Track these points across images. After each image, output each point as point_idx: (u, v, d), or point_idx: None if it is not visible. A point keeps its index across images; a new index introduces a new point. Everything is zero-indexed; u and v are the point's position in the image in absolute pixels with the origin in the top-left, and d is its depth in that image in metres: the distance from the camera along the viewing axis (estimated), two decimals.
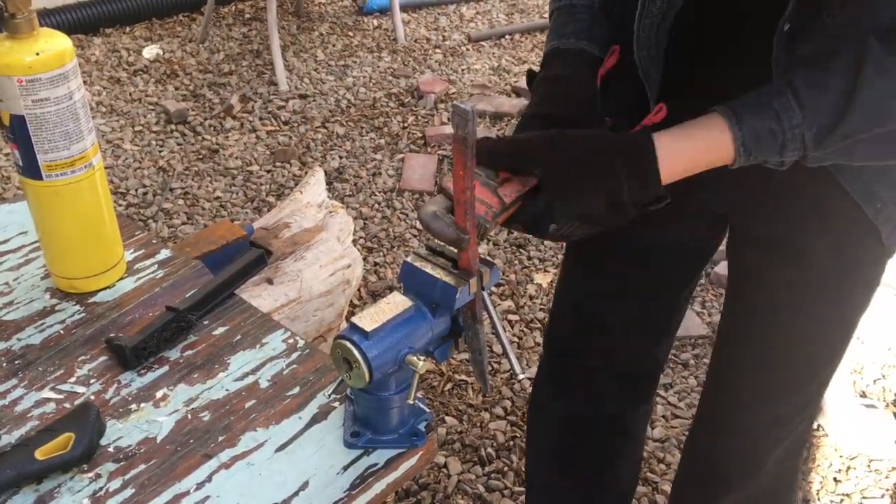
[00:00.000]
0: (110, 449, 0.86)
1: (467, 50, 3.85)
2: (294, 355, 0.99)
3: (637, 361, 1.33)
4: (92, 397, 0.92)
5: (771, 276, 1.09)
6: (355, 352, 0.77)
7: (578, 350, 1.30)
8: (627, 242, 1.12)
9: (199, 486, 0.83)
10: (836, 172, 0.92)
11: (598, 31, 0.97)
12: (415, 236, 2.68)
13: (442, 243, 0.83)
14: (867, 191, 0.94)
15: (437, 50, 3.85)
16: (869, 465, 1.99)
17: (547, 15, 1.02)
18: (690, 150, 0.81)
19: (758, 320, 1.14)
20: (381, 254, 2.61)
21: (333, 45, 3.83)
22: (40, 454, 0.81)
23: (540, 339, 2.31)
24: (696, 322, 2.39)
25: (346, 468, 0.85)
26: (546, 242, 2.68)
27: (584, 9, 0.99)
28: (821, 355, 1.15)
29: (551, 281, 2.52)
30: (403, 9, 4.09)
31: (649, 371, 1.38)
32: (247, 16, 4.10)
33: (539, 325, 2.36)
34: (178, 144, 3.09)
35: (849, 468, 1.98)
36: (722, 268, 2.56)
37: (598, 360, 1.29)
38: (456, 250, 0.80)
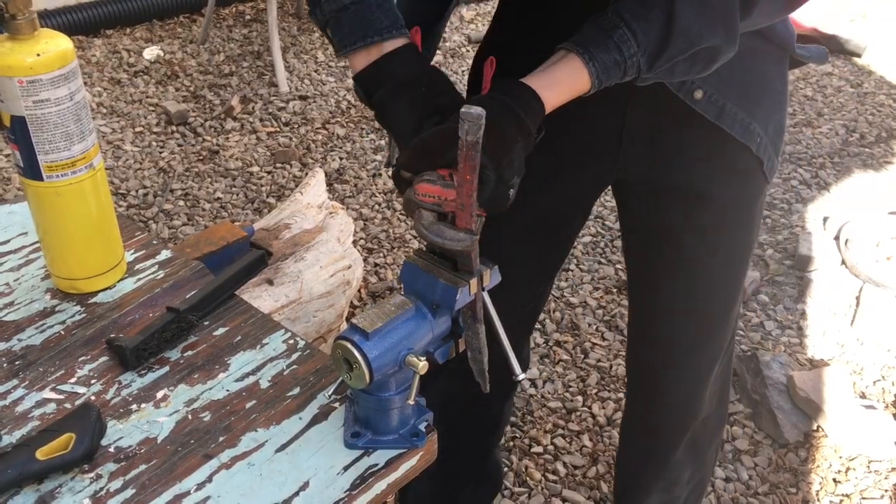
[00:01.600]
0: (111, 449, 0.86)
1: (467, 51, 3.85)
2: (294, 356, 0.99)
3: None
4: (92, 398, 0.92)
5: (676, 223, 1.21)
6: (356, 352, 0.78)
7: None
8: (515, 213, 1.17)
9: (200, 486, 0.83)
10: (717, 119, 1.08)
11: (385, 18, 0.95)
12: (415, 237, 2.68)
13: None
14: (746, 130, 1.11)
15: (437, 51, 3.85)
16: (868, 466, 1.99)
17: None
18: (561, 90, 0.91)
19: (672, 270, 1.25)
20: (382, 255, 2.61)
21: None
22: (41, 454, 0.81)
23: (539, 340, 2.31)
24: None
25: (346, 468, 0.85)
26: None
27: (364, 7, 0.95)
28: (733, 291, 1.28)
29: None
30: None
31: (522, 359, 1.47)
32: (247, 17, 4.10)
33: (539, 326, 2.36)
34: (179, 145, 3.10)
35: (848, 469, 1.98)
36: None
37: None
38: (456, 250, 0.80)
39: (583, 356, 2.28)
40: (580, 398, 2.14)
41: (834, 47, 4.12)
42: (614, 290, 2.51)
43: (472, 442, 1.52)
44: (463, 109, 0.72)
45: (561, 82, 0.91)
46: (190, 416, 0.90)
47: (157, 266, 1.12)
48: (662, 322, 1.31)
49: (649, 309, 1.32)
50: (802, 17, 4.36)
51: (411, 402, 0.83)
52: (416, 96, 0.91)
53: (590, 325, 2.37)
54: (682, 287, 1.25)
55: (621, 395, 2.16)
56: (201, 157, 3.03)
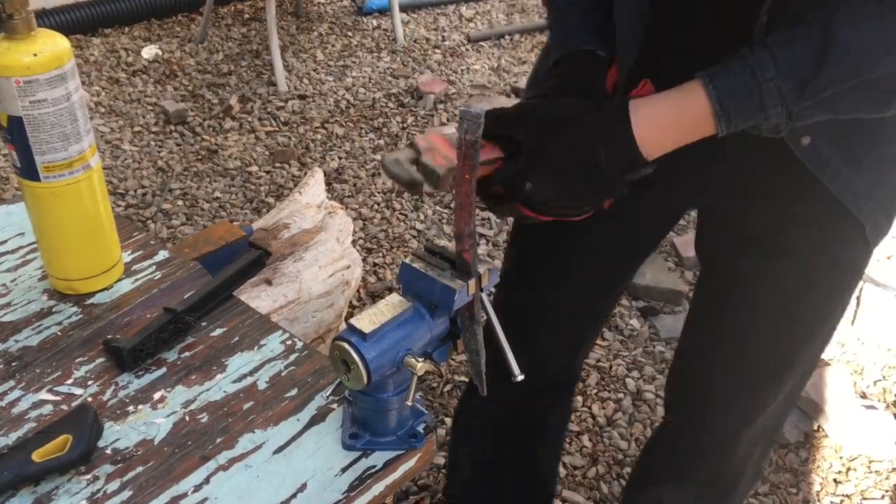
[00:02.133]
0: (108, 451, 0.86)
1: (467, 50, 3.85)
2: (292, 357, 0.98)
3: (557, 369, 1.33)
4: (89, 399, 0.92)
5: (751, 271, 1.08)
6: (353, 353, 0.77)
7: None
8: (568, 244, 1.14)
9: (197, 488, 0.82)
10: (818, 171, 0.94)
11: (592, 33, 0.96)
12: (414, 237, 2.67)
13: (441, 246, 0.83)
14: (848, 189, 0.95)
15: (437, 50, 3.85)
16: (869, 466, 1.99)
17: (546, 16, 1.01)
18: (666, 111, 0.81)
19: (737, 317, 1.13)
20: (381, 255, 2.61)
21: (332, 46, 3.83)
22: (37, 456, 0.81)
23: None
24: None
25: (344, 470, 0.85)
26: None
27: (577, 14, 0.98)
28: (800, 349, 1.14)
29: None
30: (403, 9, 4.09)
31: (568, 378, 1.39)
32: (246, 16, 4.10)
33: None
34: (177, 145, 3.09)
35: (849, 469, 1.98)
36: None
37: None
38: (455, 251, 0.80)
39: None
40: (580, 398, 2.14)
41: None
42: None
43: (518, 454, 1.44)
44: (462, 108, 0.72)
45: (667, 97, 0.81)
46: (187, 418, 0.90)
47: (154, 266, 1.12)
48: (710, 365, 1.20)
49: (703, 343, 1.21)
50: None
51: (409, 403, 0.83)
52: (554, 88, 0.91)
53: None
54: (737, 337, 1.15)
55: (621, 395, 2.15)
56: (200, 157, 3.03)
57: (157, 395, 0.93)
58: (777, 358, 1.13)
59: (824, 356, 2.28)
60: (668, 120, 0.81)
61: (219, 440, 0.87)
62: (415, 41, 3.91)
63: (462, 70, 3.66)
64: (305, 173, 2.90)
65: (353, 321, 0.79)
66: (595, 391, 2.16)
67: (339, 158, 3.05)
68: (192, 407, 0.91)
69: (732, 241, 1.11)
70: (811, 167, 0.93)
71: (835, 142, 0.92)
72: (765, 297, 1.09)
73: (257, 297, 1.75)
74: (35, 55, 0.91)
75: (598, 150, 0.81)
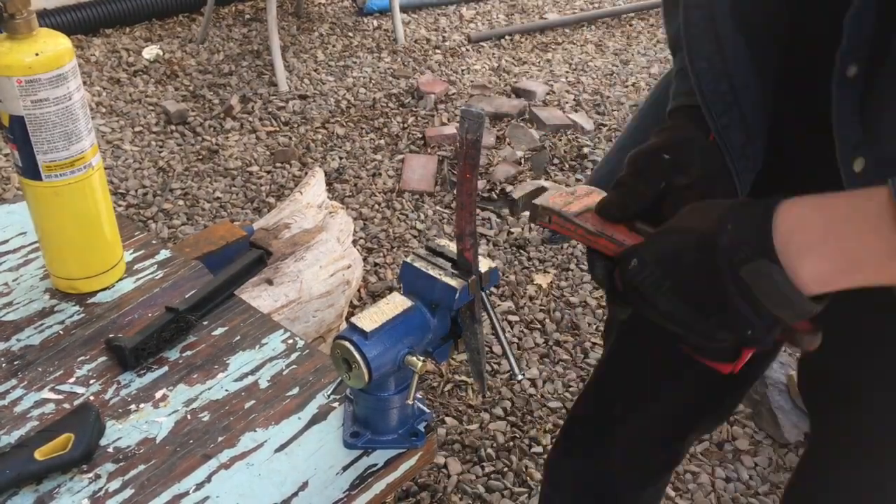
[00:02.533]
0: (110, 449, 0.86)
1: (467, 50, 3.85)
2: (293, 356, 0.98)
3: (657, 452, 1.27)
4: (91, 398, 0.92)
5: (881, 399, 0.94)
6: (355, 352, 0.77)
7: (602, 430, 1.24)
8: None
9: (199, 486, 0.83)
10: None
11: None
12: (415, 237, 2.68)
13: (442, 245, 0.83)
14: None
15: (437, 50, 3.85)
16: None
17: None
18: (834, 223, 0.57)
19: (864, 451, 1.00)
20: (381, 254, 2.61)
21: (333, 46, 3.84)
22: (40, 455, 0.81)
23: (539, 340, 2.31)
24: None
25: (345, 468, 0.85)
26: (544, 245, 2.68)
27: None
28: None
29: (551, 282, 2.52)
30: (403, 9, 4.09)
31: (667, 460, 1.31)
32: (247, 16, 4.10)
33: (538, 326, 2.36)
34: (178, 145, 3.10)
35: None
36: None
37: (619, 450, 1.23)
38: (456, 250, 0.80)
39: (583, 356, 2.27)
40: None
41: None
42: None
43: None
44: (463, 107, 0.72)
45: (836, 206, 0.58)
46: (189, 416, 0.90)
47: (156, 266, 1.12)
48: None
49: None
50: None
51: (410, 401, 0.83)
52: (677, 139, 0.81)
53: (589, 324, 2.37)
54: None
55: None
56: (201, 157, 3.03)
57: (158, 394, 0.93)
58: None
59: None
60: (835, 233, 0.58)
61: (220, 439, 0.88)
62: (415, 41, 3.92)
63: (462, 70, 3.67)
64: (306, 173, 2.91)
65: (354, 320, 0.79)
66: None
67: (340, 158, 3.05)
68: (194, 406, 0.92)
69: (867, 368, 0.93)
70: None
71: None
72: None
73: (258, 297, 1.75)
74: (37, 55, 0.91)
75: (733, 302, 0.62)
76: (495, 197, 2.88)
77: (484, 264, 0.83)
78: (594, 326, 2.36)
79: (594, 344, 2.31)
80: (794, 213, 0.59)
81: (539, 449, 2.00)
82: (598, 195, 0.81)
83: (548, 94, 3.53)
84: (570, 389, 2.17)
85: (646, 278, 0.67)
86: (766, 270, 0.59)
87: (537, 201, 0.83)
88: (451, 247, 0.83)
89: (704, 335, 0.67)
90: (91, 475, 0.83)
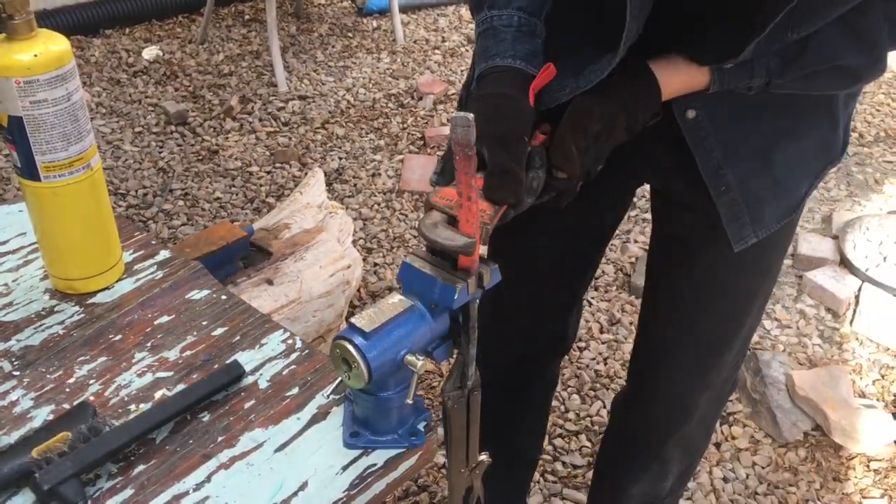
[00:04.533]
0: None
1: (466, 51, 3.85)
2: (293, 356, 0.99)
3: (542, 339, 1.43)
4: (91, 398, 0.92)
5: (695, 249, 1.18)
6: (354, 352, 0.78)
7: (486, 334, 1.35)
8: (540, 227, 1.18)
9: (199, 486, 0.83)
10: (695, 149, 1.04)
11: (521, 48, 0.96)
12: (414, 237, 2.68)
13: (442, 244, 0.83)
14: (716, 174, 1.06)
15: (437, 51, 3.85)
16: (868, 465, 1.99)
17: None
18: (678, 82, 0.94)
19: (693, 294, 1.23)
20: (381, 254, 2.61)
21: (333, 47, 3.84)
22: (37, 453, 0.81)
23: None
24: None
25: (345, 468, 0.85)
26: None
27: (506, 29, 0.98)
28: (749, 317, 1.26)
29: None
30: (403, 10, 4.09)
31: (552, 348, 1.48)
32: (246, 17, 4.10)
33: None
34: (178, 145, 3.10)
35: (848, 468, 1.98)
36: None
37: (503, 341, 1.34)
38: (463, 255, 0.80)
39: (578, 354, 2.27)
40: (576, 398, 2.14)
41: None
42: (613, 289, 2.51)
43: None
44: (452, 115, 0.72)
45: (680, 72, 0.93)
46: (188, 416, 0.90)
47: (155, 266, 1.12)
48: (665, 332, 1.31)
49: (657, 313, 1.31)
50: None
51: (410, 401, 0.83)
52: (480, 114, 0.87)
53: (587, 322, 2.37)
54: (689, 306, 1.25)
55: None
56: (200, 157, 3.03)
57: (158, 394, 0.93)
58: (733, 325, 1.26)
59: (824, 355, 2.28)
60: (678, 86, 0.94)
61: (220, 439, 0.88)
62: (415, 42, 3.92)
63: (462, 71, 3.66)
64: (306, 173, 2.91)
65: (353, 320, 0.79)
66: (593, 391, 2.17)
67: (340, 159, 3.05)
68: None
69: (676, 217, 1.19)
70: (690, 142, 1.03)
71: (716, 123, 1.02)
72: (723, 275, 1.19)
73: (258, 297, 1.75)
74: (35, 55, 0.91)
75: (633, 128, 0.92)
76: None
77: (483, 264, 0.83)
78: (592, 326, 2.37)
79: (592, 341, 2.31)
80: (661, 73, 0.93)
81: None
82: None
83: None
84: (568, 389, 2.17)
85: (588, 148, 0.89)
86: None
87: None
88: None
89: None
90: (90, 475, 0.83)
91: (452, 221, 0.81)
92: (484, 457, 0.96)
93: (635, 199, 2.91)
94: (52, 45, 0.93)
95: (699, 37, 0.93)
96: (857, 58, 0.92)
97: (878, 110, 3.59)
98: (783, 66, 0.91)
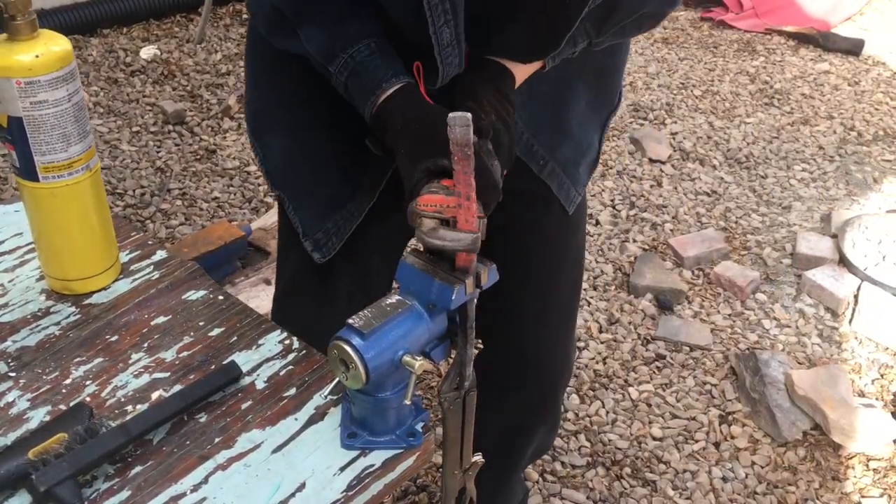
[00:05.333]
0: None
1: None
2: (290, 356, 0.98)
3: None
4: (88, 399, 0.92)
5: (540, 223, 1.26)
6: (352, 353, 0.77)
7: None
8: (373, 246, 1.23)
9: (196, 487, 0.82)
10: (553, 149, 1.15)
11: (397, 66, 0.95)
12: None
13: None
14: (529, 150, 1.14)
15: None
16: (867, 465, 1.99)
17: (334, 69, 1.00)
18: (520, 72, 1.01)
19: (536, 261, 1.30)
20: None
21: None
22: (33, 454, 0.81)
23: None
24: (697, 326, 2.39)
25: (343, 469, 0.85)
26: None
27: (371, 57, 0.95)
28: (578, 280, 1.41)
29: None
30: None
31: None
32: (244, 16, 4.10)
33: None
34: (176, 145, 3.09)
35: (847, 467, 1.98)
36: (722, 268, 2.56)
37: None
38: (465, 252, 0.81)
39: (577, 353, 2.27)
40: (575, 398, 2.14)
41: (831, 45, 4.12)
42: (612, 288, 2.51)
43: None
44: (449, 116, 0.72)
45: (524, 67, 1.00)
46: (185, 417, 0.90)
47: (152, 266, 1.12)
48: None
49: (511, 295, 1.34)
50: (800, 15, 4.37)
51: (408, 402, 0.83)
52: (409, 142, 0.89)
53: (585, 321, 2.37)
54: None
55: (619, 395, 2.16)
56: (198, 157, 3.03)
57: (154, 395, 0.93)
58: (569, 289, 1.39)
59: (823, 354, 2.28)
60: (521, 77, 1.01)
61: (217, 440, 0.87)
62: None
63: None
64: None
65: (351, 321, 0.79)
66: (591, 391, 2.17)
67: None
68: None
69: (509, 205, 1.22)
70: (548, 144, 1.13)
71: (517, 109, 1.04)
72: (558, 242, 1.31)
73: (256, 297, 1.75)
74: (37, 56, 0.91)
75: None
76: None
77: (481, 264, 0.83)
78: (591, 325, 2.37)
79: (591, 340, 2.31)
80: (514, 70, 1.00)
81: None
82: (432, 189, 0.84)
83: None
84: (567, 388, 2.17)
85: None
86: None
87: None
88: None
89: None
90: (87, 476, 0.83)
91: (445, 223, 0.81)
92: (478, 458, 0.96)
93: (633, 199, 2.91)
94: (54, 46, 0.93)
95: (516, 41, 0.98)
96: (658, 4, 1.04)
97: (876, 109, 3.59)
98: (599, 27, 1.00)
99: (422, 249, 0.85)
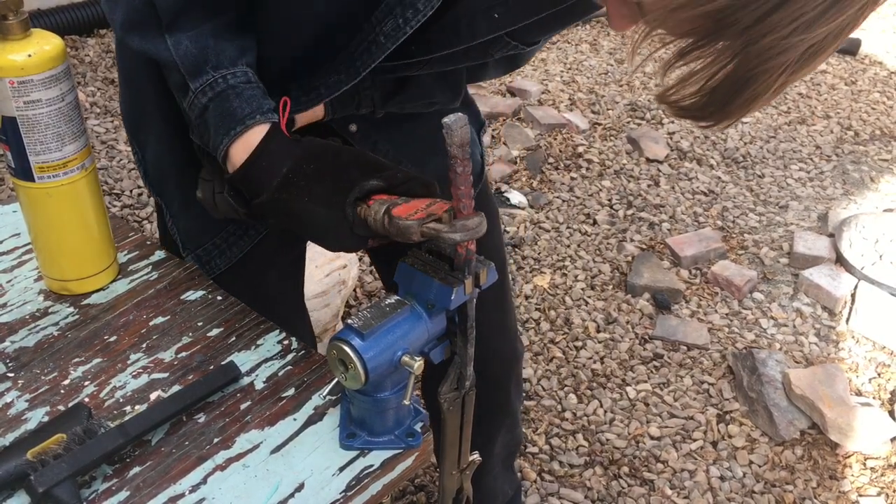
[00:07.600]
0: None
1: None
2: (289, 356, 0.98)
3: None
4: (86, 400, 0.92)
5: None
6: (351, 353, 0.77)
7: None
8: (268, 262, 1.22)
9: (194, 488, 0.82)
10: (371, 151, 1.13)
11: (269, 103, 0.91)
12: None
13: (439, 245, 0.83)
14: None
15: None
16: (864, 464, 1.99)
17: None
18: (302, 116, 1.01)
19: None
20: None
21: None
22: (31, 455, 0.81)
23: (534, 338, 2.31)
24: (695, 325, 2.39)
25: (341, 469, 0.85)
26: (539, 244, 2.68)
27: (246, 85, 0.89)
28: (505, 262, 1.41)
29: (549, 282, 2.52)
30: None
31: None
32: None
33: (533, 326, 2.36)
34: None
35: (844, 466, 1.99)
36: (719, 267, 2.56)
37: None
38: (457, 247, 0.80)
39: (574, 353, 2.28)
40: (573, 397, 2.14)
41: None
42: (609, 288, 2.51)
43: None
44: (444, 121, 0.72)
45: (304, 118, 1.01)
46: (184, 418, 0.90)
47: (150, 267, 1.12)
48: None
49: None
50: None
51: (407, 402, 0.83)
52: (316, 184, 0.85)
53: (583, 321, 2.37)
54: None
55: (617, 395, 2.16)
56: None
57: (153, 396, 0.92)
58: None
59: (820, 354, 2.28)
60: (304, 122, 1.01)
61: (216, 440, 0.87)
62: None
63: None
64: None
65: (350, 320, 0.79)
66: (588, 390, 2.17)
67: None
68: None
69: None
70: (363, 148, 1.10)
71: (381, 130, 1.11)
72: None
73: None
74: (29, 55, 0.91)
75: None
76: None
77: (480, 264, 0.82)
78: (588, 324, 2.37)
79: (588, 340, 2.31)
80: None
81: (535, 449, 2.00)
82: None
83: (543, 93, 3.54)
84: (565, 388, 2.17)
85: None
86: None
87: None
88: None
89: None
90: (86, 477, 0.83)
91: (437, 221, 0.81)
92: (475, 457, 0.96)
93: (631, 199, 2.92)
94: (47, 45, 0.92)
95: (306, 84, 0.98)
96: (445, 98, 1.10)
97: (873, 108, 3.60)
98: (384, 100, 1.04)
99: (423, 251, 0.84)
